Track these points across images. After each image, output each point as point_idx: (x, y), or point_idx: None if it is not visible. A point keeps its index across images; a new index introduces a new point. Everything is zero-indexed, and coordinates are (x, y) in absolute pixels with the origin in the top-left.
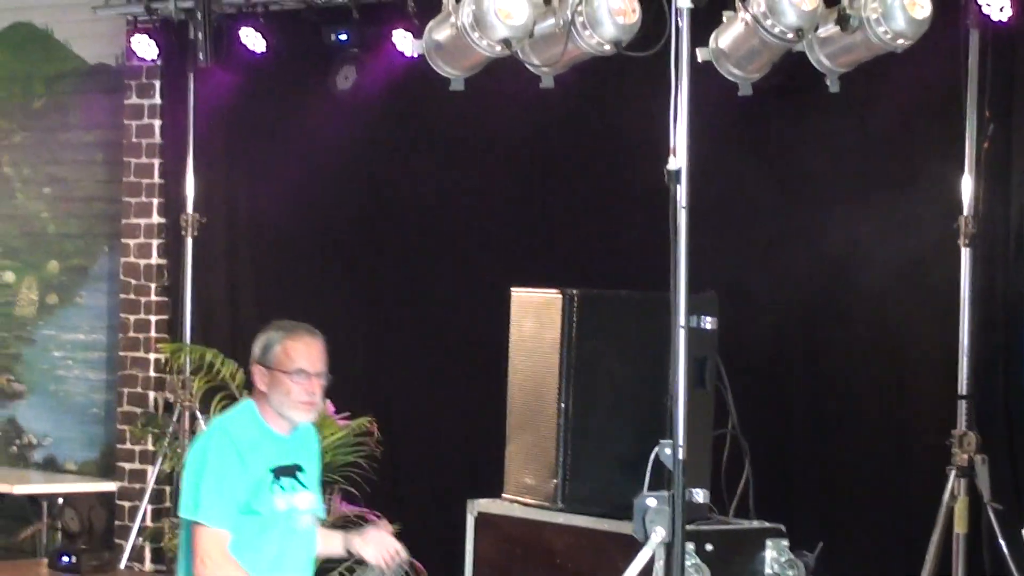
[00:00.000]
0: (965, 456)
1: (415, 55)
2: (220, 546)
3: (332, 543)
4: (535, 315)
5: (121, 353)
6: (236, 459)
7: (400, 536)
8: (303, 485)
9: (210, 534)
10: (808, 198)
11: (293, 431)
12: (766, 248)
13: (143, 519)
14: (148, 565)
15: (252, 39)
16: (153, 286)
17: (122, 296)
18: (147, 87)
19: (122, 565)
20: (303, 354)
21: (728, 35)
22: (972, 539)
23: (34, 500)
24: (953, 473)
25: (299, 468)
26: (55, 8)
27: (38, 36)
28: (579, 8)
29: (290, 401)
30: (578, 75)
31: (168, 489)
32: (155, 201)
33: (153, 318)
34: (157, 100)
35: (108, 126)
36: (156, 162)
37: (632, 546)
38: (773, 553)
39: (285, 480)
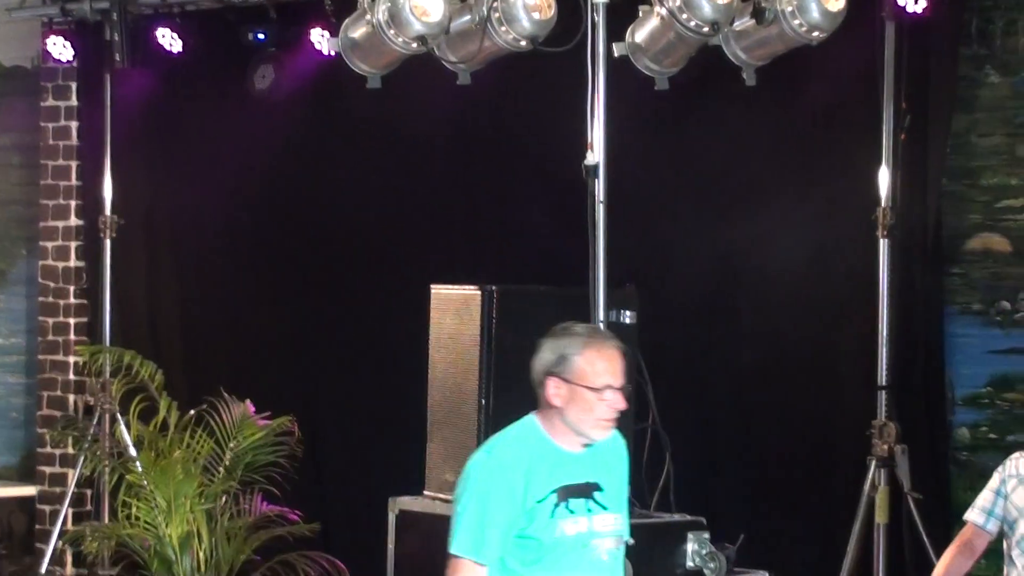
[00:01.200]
0: (885, 446)
1: (332, 53)
2: None
3: None
4: (455, 312)
5: (40, 356)
6: (500, 483)
7: (322, 535)
8: (601, 506)
9: (459, 565)
10: (727, 191)
11: (588, 447)
12: (686, 241)
13: (64, 523)
14: (69, 569)
15: (168, 39)
16: (72, 289)
17: (40, 299)
18: (63, 89)
19: (43, 570)
20: (609, 368)
21: (644, 30)
22: (893, 529)
23: None
24: (873, 463)
25: (596, 487)
26: None
27: None
28: (495, 4)
29: (591, 419)
30: (495, 71)
31: (89, 492)
32: (73, 203)
33: (72, 321)
34: (74, 102)
35: (24, 129)
36: (73, 164)
37: None
38: (694, 546)
39: (575, 502)
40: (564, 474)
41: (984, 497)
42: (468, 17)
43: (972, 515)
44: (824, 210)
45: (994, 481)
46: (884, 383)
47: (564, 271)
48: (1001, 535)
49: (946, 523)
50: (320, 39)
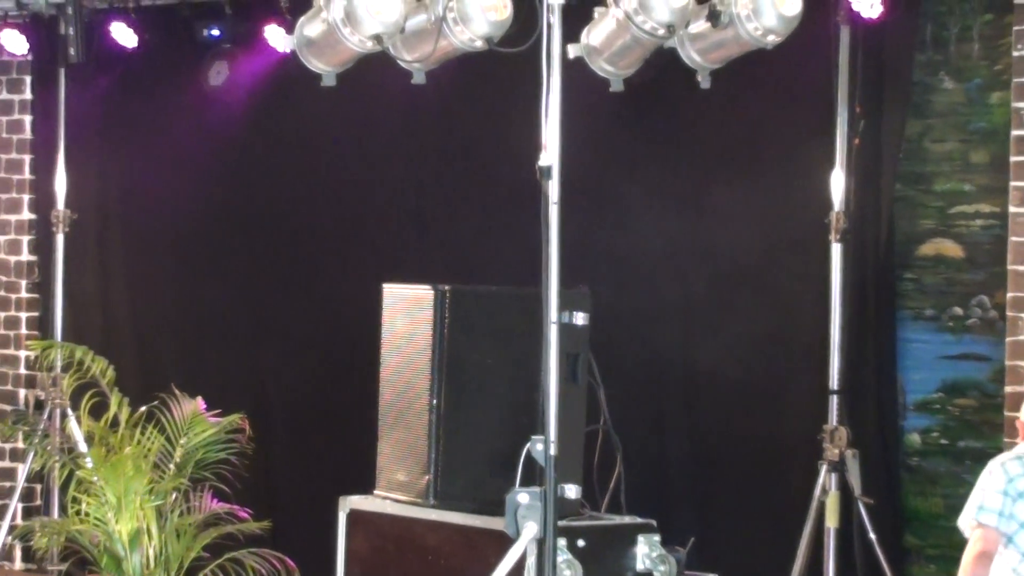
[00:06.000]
0: (836, 451)
1: (287, 51)
2: None
3: None
4: (407, 311)
5: None
6: None
7: (272, 533)
8: None
9: None
10: (681, 194)
11: None
12: (639, 243)
13: (13, 518)
14: (18, 564)
15: (123, 34)
16: (24, 283)
17: None
18: (18, 82)
19: None
20: None
21: (599, 31)
22: (843, 533)
23: None
24: (824, 468)
25: None
26: None
27: None
28: (450, 4)
29: None
30: (450, 71)
31: (39, 487)
32: (26, 197)
33: (23, 315)
34: (28, 95)
35: None
36: (27, 158)
37: (504, 542)
38: (645, 548)
39: None
40: None
41: (992, 499)
42: (424, 16)
43: (988, 519)
44: (777, 214)
45: (998, 482)
46: (836, 387)
47: (517, 271)
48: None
49: (896, 528)
50: (275, 36)
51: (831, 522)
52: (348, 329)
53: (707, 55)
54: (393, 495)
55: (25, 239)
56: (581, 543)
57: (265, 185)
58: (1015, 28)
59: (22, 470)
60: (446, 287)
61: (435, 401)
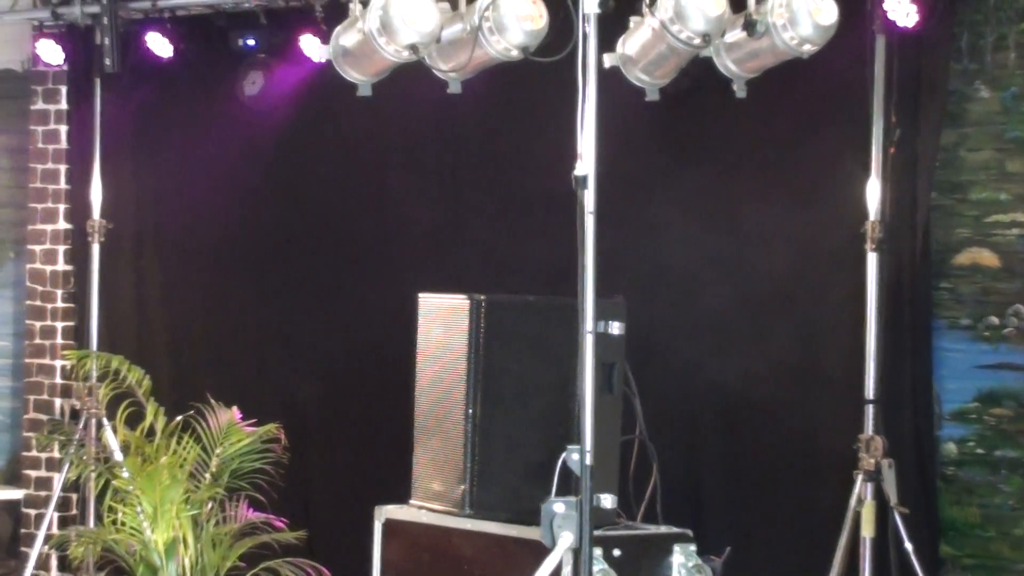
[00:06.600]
0: (872, 460)
1: (323, 60)
2: None
3: None
4: (443, 320)
5: (27, 360)
6: None
7: (307, 543)
8: None
9: None
10: (716, 203)
11: None
12: (674, 252)
13: (49, 527)
14: (54, 573)
15: (159, 44)
16: (59, 292)
17: (28, 303)
18: (53, 92)
19: (28, 573)
20: None
21: (635, 41)
22: (879, 543)
23: None
24: (860, 477)
25: None
26: None
27: None
28: (486, 13)
29: None
30: (485, 81)
31: (75, 497)
32: (61, 207)
33: (59, 325)
34: (64, 106)
35: (14, 132)
36: (62, 168)
37: (540, 552)
38: (681, 558)
39: None
40: None
41: None
42: (459, 26)
43: None
44: (813, 223)
45: None
46: (872, 397)
47: (551, 281)
48: None
49: (932, 538)
50: (310, 46)
51: (867, 532)
52: (383, 338)
53: (743, 64)
54: (429, 505)
55: (61, 249)
56: (617, 553)
57: (299, 195)
58: None
59: (58, 480)
60: (482, 296)
61: (471, 411)
